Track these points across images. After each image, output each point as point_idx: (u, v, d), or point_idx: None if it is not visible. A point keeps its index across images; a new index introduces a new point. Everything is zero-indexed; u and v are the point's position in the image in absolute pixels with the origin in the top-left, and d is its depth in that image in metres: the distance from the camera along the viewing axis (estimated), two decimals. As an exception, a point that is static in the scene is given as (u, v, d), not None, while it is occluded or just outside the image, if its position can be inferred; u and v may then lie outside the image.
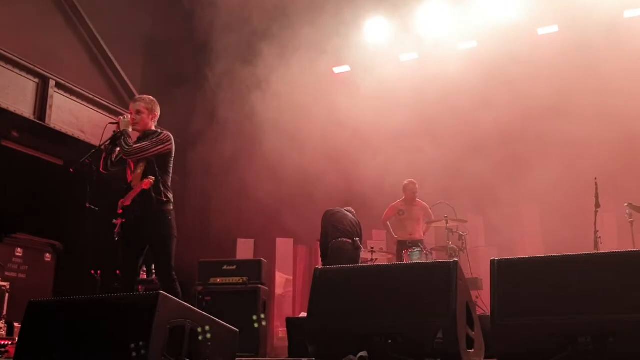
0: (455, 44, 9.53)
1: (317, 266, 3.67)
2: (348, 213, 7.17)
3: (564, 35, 8.85)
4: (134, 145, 4.64)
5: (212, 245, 9.86)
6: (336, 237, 6.86)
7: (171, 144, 4.76)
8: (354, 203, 7.80)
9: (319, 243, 7.33)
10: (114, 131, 4.76)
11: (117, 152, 4.77)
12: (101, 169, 4.78)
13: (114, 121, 4.89)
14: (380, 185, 8.49)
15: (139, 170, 4.65)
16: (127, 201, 4.65)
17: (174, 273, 4.65)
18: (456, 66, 9.02)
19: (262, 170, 9.39)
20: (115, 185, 4.88)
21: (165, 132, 4.83)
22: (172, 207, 4.73)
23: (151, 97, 4.96)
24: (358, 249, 6.89)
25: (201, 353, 2.52)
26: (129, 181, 4.73)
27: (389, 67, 9.71)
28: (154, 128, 4.91)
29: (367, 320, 3.18)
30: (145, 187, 4.56)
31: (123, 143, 4.61)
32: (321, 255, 7.08)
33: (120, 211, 4.70)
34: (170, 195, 4.75)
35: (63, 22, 9.19)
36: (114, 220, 4.71)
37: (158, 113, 4.98)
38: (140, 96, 5.03)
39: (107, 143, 4.79)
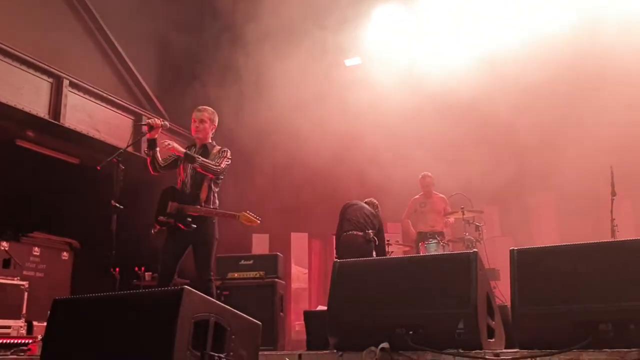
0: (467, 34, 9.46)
1: (335, 259, 3.68)
2: (365, 205, 7.04)
3: (579, 24, 8.75)
4: (222, 166, 5.04)
5: (227, 240, 9.88)
6: (347, 229, 6.75)
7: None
8: (368, 196, 7.80)
9: (334, 237, 7.32)
10: (143, 132, 5.05)
11: (158, 153, 5.06)
12: (152, 172, 5.08)
13: (143, 123, 5.22)
14: (394, 177, 8.49)
15: (207, 184, 5.01)
16: (193, 212, 4.87)
17: (212, 274, 4.92)
18: (468, 55, 8.98)
19: (275, 164, 9.43)
20: (126, 183, 5.00)
21: (227, 149, 5.19)
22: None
23: (212, 109, 5.28)
24: (370, 241, 6.68)
25: (226, 346, 2.54)
26: (181, 185, 5.03)
27: (402, 56, 9.67)
28: (210, 139, 5.21)
29: (387, 311, 3.19)
30: (245, 222, 5.02)
31: (209, 165, 4.95)
32: (335, 249, 7.02)
33: (170, 210, 4.92)
34: (217, 203, 5.13)
35: (75, 20, 9.24)
36: (160, 218, 4.91)
37: (216, 124, 5.29)
38: (204, 107, 5.29)
39: (129, 149, 5.13)
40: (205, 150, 5.12)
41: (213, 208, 5.03)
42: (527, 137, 8.54)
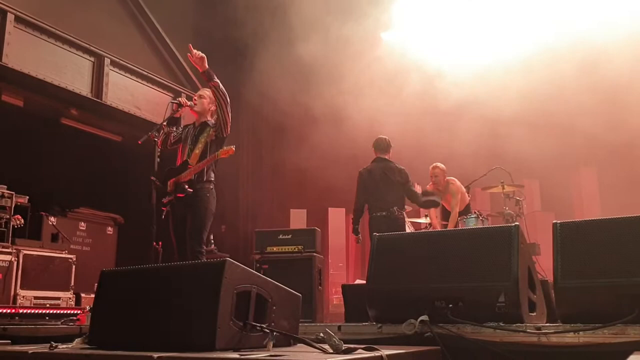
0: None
1: (374, 233, 3.68)
2: (378, 173, 6.70)
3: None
4: (227, 99, 5.10)
5: (266, 215, 10.01)
6: (371, 211, 6.65)
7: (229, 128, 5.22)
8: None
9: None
10: (173, 110, 5.17)
11: (173, 132, 5.30)
12: (160, 147, 5.15)
13: (175, 100, 5.29)
14: (433, 153, 8.39)
15: (197, 151, 5.10)
16: (187, 177, 5.02)
17: (203, 247, 4.98)
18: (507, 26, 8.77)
19: (313, 140, 9.42)
20: (163, 159, 5.15)
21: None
22: (212, 187, 5.14)
23: None
24: (396, 219, 6.51)
25: (267, 317, 2.59)
26: (181, 160, 5.17)
27: (441, 27, 9.49)
28: (210, 118, 5.32)
29: (427, 284, 3.19)
30: (224, 156, 5.00)
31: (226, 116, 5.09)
32: (353, 220, 6.80)
33: (170, 189, 5.00)
34: (213, 176, 5.18)
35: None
36: (164, 200, 5.09)
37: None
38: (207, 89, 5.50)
39: (164, 124, 5.18)
40: (206, 125, 5.27)
41: (207, 179, 5.10)
42: (568, 110, 8.32)
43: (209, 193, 5.08)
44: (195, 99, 5.35)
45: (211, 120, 5.35)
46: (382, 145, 6.92)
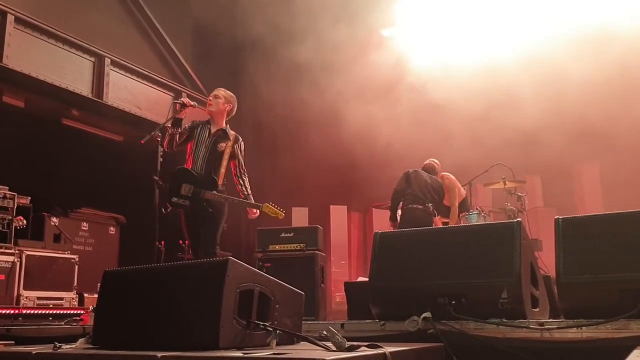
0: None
1: (376, 231, 3.68)
2: (425, 175, 7.08)
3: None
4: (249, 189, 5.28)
5: (268, 214, 9.99)
6: (407, 203, 6.87)
7: None
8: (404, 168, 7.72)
9: (372, 209, 7.24)
10: (176, 110, 5.15)
11: (178, 133, 5.15)
12: (165, 148, 5.12)
13: (178, 101, 5.26)
14: (435, 150, 8.38)
15: (223, 170, 5.10)
16: (212, 197, 4.95)
17: (217, 248, 5.00)
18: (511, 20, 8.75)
19: (315, 138, 9.42)
20: (165, 159, 5.14)
21: (241, 140, 5.33)
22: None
23: (232, 94, 5.38)
24: (430, 215, 6.81)
25: (270, 315, 2.59)
26: (192, 167, 5.09)
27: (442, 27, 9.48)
28: (224, 123, 5.28)
29: (429, 281, 3.19)
30: (267, 212, 5.07)
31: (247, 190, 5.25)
32: (392, 208, 7.06)
33: (185, 193, 5.01)
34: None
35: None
36: (173, 199, 5.00)
37: (234, 107, 5.35)
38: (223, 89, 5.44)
39: (168, 124, 5.14)
40: (224, 135, 5.22)
41: (222, 184, 5.12)
42: (570, 105, 8.31)
43: (223, 199, 5.11)
44: (211, 99, 5.28)
45: (228, 127, 5.30)
46: (432, 170, 7.27)
